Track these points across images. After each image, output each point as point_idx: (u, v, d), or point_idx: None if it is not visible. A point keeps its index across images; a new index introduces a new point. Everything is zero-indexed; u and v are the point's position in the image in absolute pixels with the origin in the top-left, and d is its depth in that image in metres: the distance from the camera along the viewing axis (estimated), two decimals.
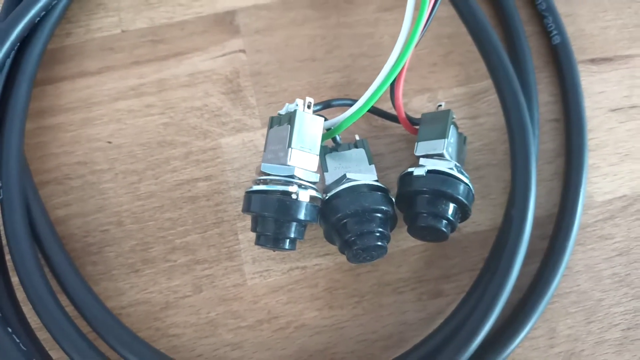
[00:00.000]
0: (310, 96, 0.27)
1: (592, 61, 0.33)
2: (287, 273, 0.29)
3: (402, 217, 0.28)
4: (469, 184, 0.27)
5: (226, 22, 0.33)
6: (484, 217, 0.30)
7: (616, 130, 0.32)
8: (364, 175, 0.27)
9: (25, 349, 0.25)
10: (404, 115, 0.29)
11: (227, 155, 0.31)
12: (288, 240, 0.26)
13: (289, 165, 0.25)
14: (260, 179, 0.26)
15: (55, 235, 0.28)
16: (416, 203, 0.27)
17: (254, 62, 0.33)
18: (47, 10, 0.31)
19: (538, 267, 0.29)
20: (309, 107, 0.27)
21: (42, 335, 0.26)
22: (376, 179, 0.27)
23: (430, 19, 0.27)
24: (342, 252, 0.27)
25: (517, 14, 0.32)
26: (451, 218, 0.26)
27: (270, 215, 0.25)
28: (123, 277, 0.29)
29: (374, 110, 0.30)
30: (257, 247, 0.28)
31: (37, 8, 0.30)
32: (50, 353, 0.26)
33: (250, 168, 0.31)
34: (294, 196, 0.25)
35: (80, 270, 0.28)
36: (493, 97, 0.32)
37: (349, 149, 0.29)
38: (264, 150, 0.27)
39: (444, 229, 0.26)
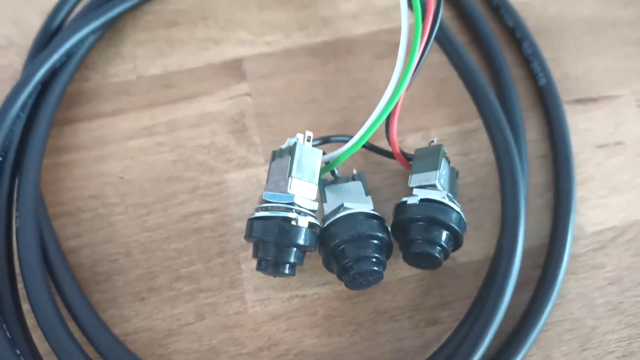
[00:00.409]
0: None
1: (578, 101, 0.35)
2: (287, 301, 0.30)
3: (398, 246, 0.29)
4: (461, 213, 0.28)
5: (233, 69, 0.36)
6: (478, 247, 0.31)
7: (603, 165, 0.33)
8: (361, 205, 0.29)
9: None
10: (398, 150, 0.30)
11: (231, 190, 0.32)
12: (288, 265, 0.27)
13: (289, 193, 0.27)
14: (261, 207, 0.27)
15: (66, 264, 0.30)
16: (410, 230, 0.28)
17: (259, 104, 0.35)
18: (68, 56, 0.33)
19: (531, 295, 0.29)
20: (308, 140, 0.28)
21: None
22: (372, 208, 0.29)
23: (420, 63, 0.29)
24: (340, 279, 0.28)
25: (504, 59, 0.35)
26: (444, 245, 0.28)
27: (271, 240, 0.26)
28: (129, 305, 0.30)
29: (371, 147, 0.32)
30: (258, 275, 0.30)
31: (59, 54, 0.32)
32: None
33: (253, 201, 0.32)
34: (293, 222, 0.26)
35: (88, 297, 0.29)
36: (483, 135, 0.33)
37: (347, 181, 0.31)
38: (266, 182, 0.28)
39: (437, 255, 0.28)
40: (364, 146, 0.30)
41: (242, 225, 0.31)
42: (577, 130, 0.34)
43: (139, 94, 0.35)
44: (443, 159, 0.29)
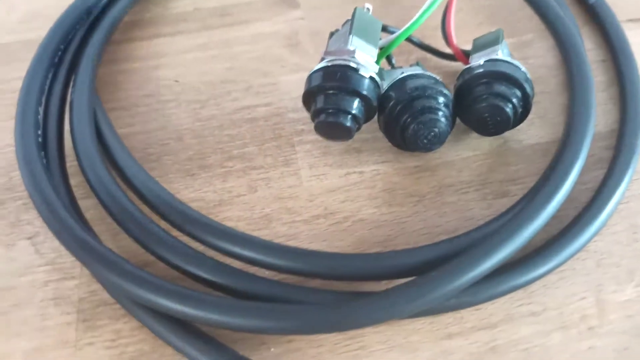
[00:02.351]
0: None
1: (630, 20, 0.35)
2: (344, 177, 0.28)
3: (460, 119, 0.28)
4: (527, 72, 0.27)
5: (288, 1, 0.37)
6: (544, 132, 0.30)
7: None
8: None
9: None
10: (455, 43, 0.30)
11: (285, 88, 0.32)
12: (350, 116, 0.26)
13: (349, 49, 0.27)
14: (322, 60, 0.27)
15: (118, 139, 0.29)
16: (476, 88, 0.27)
17: (312, 25, 0.36)
18: None
19: (608, 167, 0.27)
20: (367, 10, 0.29)
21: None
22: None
23: None
24: (402, 143, 0.27)
25: None
26: (514, 101, 0.26)
27: (333, 85, 0.26)
28: (179, 180, 0.29)
29: (426, 47, 0.32)
30: (313, 155, 0.29)
31: None
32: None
33: None
34: (356, 71, 0.26)
35: None
36: (538, 44, 0.33)
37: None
38: (326, 49, 0.28)
39: (507, 110, 0.26)
40: (420, 47, 0.30)
41: (296, 115, 0.31)
42: (633, 43, 0.33)
43: (197, 20, 0.36)
44: (503, 40, 0.29)
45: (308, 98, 0.27)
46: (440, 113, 0.26)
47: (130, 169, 0.27)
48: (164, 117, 0.31)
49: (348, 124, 0.26)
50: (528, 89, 0.27)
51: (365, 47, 0.27)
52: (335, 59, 0.26)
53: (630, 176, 0.27)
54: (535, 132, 0.30)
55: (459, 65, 0.30)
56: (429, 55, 0.32)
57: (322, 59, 0.27)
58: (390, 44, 0.29)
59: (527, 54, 0.33)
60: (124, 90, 0.33)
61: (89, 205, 0.27)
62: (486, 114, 0.27)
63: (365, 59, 0.26)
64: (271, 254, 0.24)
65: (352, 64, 0.26)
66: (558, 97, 0.31)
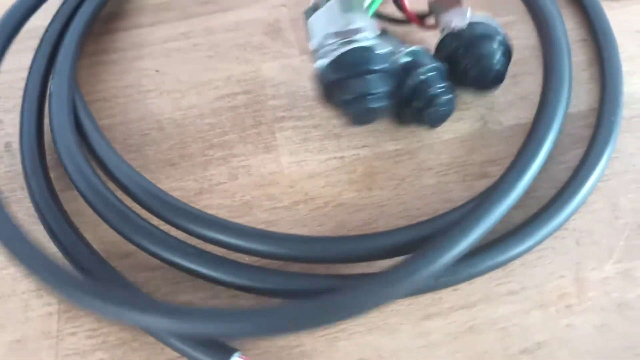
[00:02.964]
0: None
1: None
2: (325, 162, 0.28)
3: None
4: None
5: None
6: (524, 113, 0.30)
7: None
8: None
9: None
10: (407, 5, 0.30)
11: (266, 75, 0.32)
12: (386, 95, 0.26)
13: (353, 28, 0.26)
14: (328, 48, 0.26)
15: (98, 129, 0.29)
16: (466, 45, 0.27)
17: (294, 12, 0.35)
18: None
19: (587, 145, 0.27)
20: None
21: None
22: None
23: None
24: (408, 114, 0.27)
25: None
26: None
27: (358, 71, 0.25)
28: (159, 170, 0.29)
29: (383, 17, 0.31)
30: (294, 141, 0.29)
31: None
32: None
33: (288, 84, 0.32)
34: (371, 48, 0.25)
35: None
36: (520, 26, 0.33)
37: None
38: (312, 38, 0.27)
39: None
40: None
41: (277, 102, 0.31)
42: (615, 22, 0.33)
43: (178, 9, 0.36)
44: None
45: (331, 90, 0.26)
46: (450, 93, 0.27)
47: (110, 159, 0.27)
48: (144, 107, 0.31)
49: (384, 103, 0.26)
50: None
51: (361, 18, 0.27)
52: (343, 42, 0.26)
53: (610, 154, 0.27)
54: (516, 113, 0.30)
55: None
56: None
57: (322, 46, 0.26)
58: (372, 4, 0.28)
59: (509, 35, 0.33)
60: (104, 81, 0.33)
61: (69, 197, 0.27)
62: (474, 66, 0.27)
63: (369, 32, 0.26)
64: (251, 239, 0.24)
65: (366, 44, 0.26)
66: (539, 78, 0.31)
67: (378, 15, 0.31)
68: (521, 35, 0.33)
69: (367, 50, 0.25)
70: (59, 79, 0.30)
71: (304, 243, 0.24)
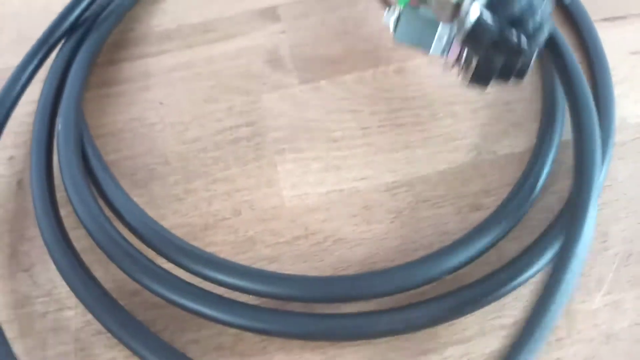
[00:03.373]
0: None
1: (605, 19, 0.35)
2: (325, 195, 0.29)
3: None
4: None
5: (269, 13, 0.38)
6: (519, 142, 0.30)
7: (638, 67, 0.33)
8: None
9: None
10: None
11: (266, 106, 0.33)
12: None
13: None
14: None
15: (106, 167, 0.30)
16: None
17: (293, 38, 0.36)
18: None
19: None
20: None
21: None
22: None
23: None
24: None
25: None
26: None
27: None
28: (166, 205, 0.30)
29: None
30: (295, 174, 0.30)
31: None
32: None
33: (289, 114, 0.32)
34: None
35: None
36: None
37: None
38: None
39: None
40: None
41: (278, 134, 0.32)
42: (608, 42, 0.34)
43: (180, 38, 0.37)
44: None
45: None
46: None
47: (116, 198, 0.29)
48: (150, 141, 0.32)
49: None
50: None
51: None
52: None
53: (601, 183, 0.28)
54: (509, 141, 0.30)
55: None
56: None
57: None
58: None
59: None
60: (110, 114, 0.34)
61: (80, 235, 0.28)
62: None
63: None
64: (251, 279, 0.25)
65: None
66: (532, 104, 0.32)
67: None
68: None
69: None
70: (66, 117, 0.31)
71: (303, 283, 0.25)
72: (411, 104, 0.32)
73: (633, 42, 0.34)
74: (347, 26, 0.36)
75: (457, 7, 0.24)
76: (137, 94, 0.34)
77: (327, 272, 0.27)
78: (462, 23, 0.23)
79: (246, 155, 0.31)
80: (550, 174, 0.28)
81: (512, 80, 0.26)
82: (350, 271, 0.27)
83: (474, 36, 0.23)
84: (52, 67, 0.34)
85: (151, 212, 0.29)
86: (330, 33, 0.36)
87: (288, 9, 0.38)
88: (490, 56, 0.25)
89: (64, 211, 0.29)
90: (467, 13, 0.23)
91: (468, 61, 0.26)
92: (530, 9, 0.23)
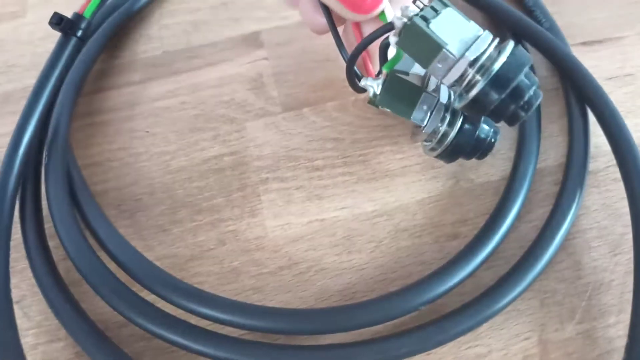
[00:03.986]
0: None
1: (583, 44, 0.36)
2: (307, 225, 0.30)
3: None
4: None
5: (252, 40, 0.38)
6: (495, 170, 0.31)
7: (615, 93, 0.33)
8: None
9: None
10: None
11: (251, 135, 0.34)
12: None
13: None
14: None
15: (92, 199, 0.31)
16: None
17: (276, 65, 0.37)
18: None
19: (554, 203, 0.29)
20: None
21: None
22: None
23: None
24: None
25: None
26: None
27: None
28: (152, 236, 0.30)
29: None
30: (277, 204, 0.31)
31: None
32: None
33: (272, 143, 0.33)
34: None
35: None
36: None
37: None
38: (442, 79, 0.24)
39: None
40: None
41: (261, 163, 0.32)
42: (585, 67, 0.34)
43: (165, 65, 0.38)
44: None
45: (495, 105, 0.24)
46: None
47: (103, 230, 0.29)
48: (136, 171, 0.33)
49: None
50: None
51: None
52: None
53: (575, 212, 0.28)
54: (486, 170, 0.31)
55: None
56: None
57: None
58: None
59: None
60: (97, 144, 0.34)
61: (69, 267, 0.29)
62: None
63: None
64: (234, 313, 0.26)
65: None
66: (509, 132, 0.32)
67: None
68: None
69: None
70: (53, 151, 0.31)
71: (285, 317, 0.26)
72: (391, 131, 0.33)
73: (609, 68, 0.34)
74: (329, 53, 0.37)
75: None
76: (123, 122, 0.35)
77: (310, 302, 0.28)
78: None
79: (231, 185, 0.32)
80: (525, 202, 0.29)
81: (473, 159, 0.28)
82: (332, 301, 0.28)
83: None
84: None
85: (137, 244, 0.30)
86: (312, 60, 0.37)
87: (270, 35, 0.38)
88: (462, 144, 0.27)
89: (53, 243, 0.30)
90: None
91: (442, 139, 0.27)
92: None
